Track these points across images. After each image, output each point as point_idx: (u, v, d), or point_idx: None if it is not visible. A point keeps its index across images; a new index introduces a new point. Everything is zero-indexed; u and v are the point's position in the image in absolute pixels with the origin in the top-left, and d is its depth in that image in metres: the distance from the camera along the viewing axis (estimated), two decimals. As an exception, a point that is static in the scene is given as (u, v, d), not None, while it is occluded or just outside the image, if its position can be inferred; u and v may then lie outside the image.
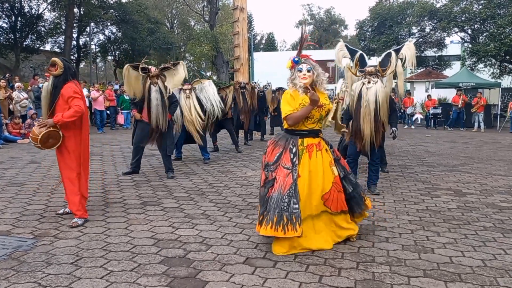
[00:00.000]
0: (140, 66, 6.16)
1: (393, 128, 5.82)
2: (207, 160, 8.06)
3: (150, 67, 6.34)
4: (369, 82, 5.37)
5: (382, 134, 5.62)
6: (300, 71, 3.56)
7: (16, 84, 12.50)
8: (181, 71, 6.78)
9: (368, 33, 29.04)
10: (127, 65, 6.29)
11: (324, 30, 56.17)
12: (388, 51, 5.83)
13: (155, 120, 6.21)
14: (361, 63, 5.72)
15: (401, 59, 5.70)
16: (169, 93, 6.42)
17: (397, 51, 5.71)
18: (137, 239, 3.75)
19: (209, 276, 2.99)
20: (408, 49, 5.74)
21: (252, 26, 47.68)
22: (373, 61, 31.60)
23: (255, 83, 12.23)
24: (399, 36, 26.28)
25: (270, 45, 50.48)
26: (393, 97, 7.42)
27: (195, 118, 7.48)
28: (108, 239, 3.72)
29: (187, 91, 7.57)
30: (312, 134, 3.63)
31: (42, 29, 26.52)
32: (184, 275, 3.00)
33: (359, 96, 5.42)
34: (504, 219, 4.55)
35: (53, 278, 2.93)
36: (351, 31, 70.63)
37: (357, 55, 5.80)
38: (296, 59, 3.60)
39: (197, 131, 7.54)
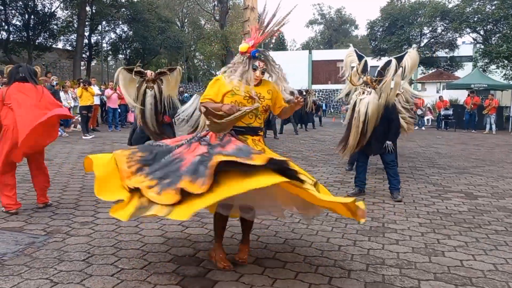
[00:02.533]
0: (135, 69, 6.15)
1: (387, 142, 5.44)
2: None
3: (146, 71, 6.30)
4: (363, 93, 5.27)
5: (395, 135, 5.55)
6: (255, 70, 3.16)
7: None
8: (177, 77, 6.50)
9: (379, 33, 28.92)
10: (120, 68, 6.29)
11: (335, 30, 55.93)
12: (389, 58, 5.55)
13: (150, 124, 6.21)
14: (364, 69, 5.59)
15: (402, 68, 5.35)
16: (168, 99, 6.34)
17: (399, 59, 5.40)
18: (148, 237, 3.77)
19: (219, 276, 3.00)
20: (410, 58, 5.37)
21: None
22: (384, 61, 31.56)
23: None
24: (410, 37, 26.13)
25: (280, 44, 50.40)
26: (406, 103, 7.14)
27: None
28: (118, 237, 3.75)
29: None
30: (250, 132, 3.18)
31: (55, 27, 26.81)
32: (194, 274, 3.02)
33: (354, 105, 5.35)
34: (516, 223, 4.51)
35: (65, 274, 2.96)
36: (361, 31, 70.31)
37: (362, 61, 5.63)
38: (257, 54, 3.17)
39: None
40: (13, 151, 4.34)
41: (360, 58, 5.83)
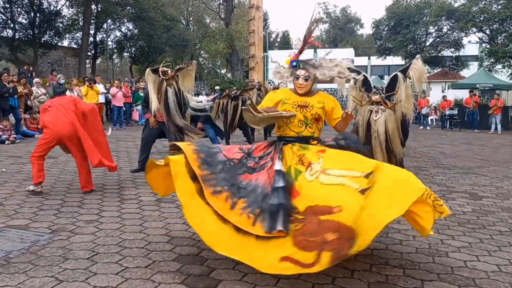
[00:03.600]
0: (160, 69, 6.28)
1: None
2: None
3: (167, 69, 6.42)
4: (376, 112, 5.19)
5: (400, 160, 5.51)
6: (297, 78, 3.37)
7: (35, 80, 12.72)
8: (192, 71, 6.77)
9: (384, 32, 28.85)
10: (148, 69, 6.44)
11: (340, 29, 55.74)
12: (394, 73, 5.40)
13: (178, 119, 6.34)
14: (366, 86, 5.50)
15: (409, 78, 5.31)
16: (186, 95, 6.50)
17: (404, 71, 5.33)
18: (152, 236, 3.80)
19: (223, 275, 3.02)
20: (416, 69, 5.27)
21: (267, 24, 47.66)
22: (389, 60, 31.27)
23: (271, 83, 12.29)
24: (416, 36, 26.04)
25: (285, 43, 50.30)
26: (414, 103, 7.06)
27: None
28: (123, 235, 3.78)
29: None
30: (301, 140, 3.31)
31: (60, 25, 26.87)
32: (198, 273, 3.04)
33: (368, 125, 5.26)
34: (521, 224, 4.49)
35: (70, 273, 2.99)
36: (367, 30, 70.10)
37: (361, 76, 5.49)
38: (294, 63, 3.40)
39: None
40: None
41: (357, 73, 5.73)
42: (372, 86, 5.58)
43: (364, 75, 5.60)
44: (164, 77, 6.28)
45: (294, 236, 2.74)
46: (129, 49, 32.59)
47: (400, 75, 5.22)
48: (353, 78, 5.62)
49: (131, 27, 30.69)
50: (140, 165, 6.78)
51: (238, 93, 10.11)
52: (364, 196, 2.76)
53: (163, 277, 2.96)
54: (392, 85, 5.25)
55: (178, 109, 6.35)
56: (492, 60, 22.61)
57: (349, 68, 5.86)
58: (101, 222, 4.16)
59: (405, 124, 5.42)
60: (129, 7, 27.90)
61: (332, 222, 2.69)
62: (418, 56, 5.61)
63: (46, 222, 4.12)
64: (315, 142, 3.35)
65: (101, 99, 13.83)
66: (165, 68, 6.37)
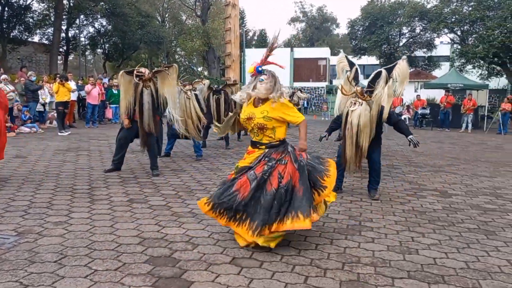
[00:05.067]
0: (135, 72, 6.12)
1: (409, 137, 5.45)
2: (199, 158, 8.03)
3: (143, 70, 6.24)
4: (354, 104, 5.22)
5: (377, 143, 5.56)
6: (261, 82, 3.56)
7: (2, 76, 12.30)
8: (173, 75, 6.37)
9: (359, 32, 29.20)
10: (121, 71, 6.26)
11: (316, 28, 56.07)
12: (379, 69, 5.43)
13: (147, 124, 6.21)
14: (355, 77, 5.56)
15: (393, 80, 5.33)
16: (163, 97, 6.33)
17: (389, 70, 5.34)
18: (123, 237, 3.72)
19: (195, 276, 2.98)
20: (400, 70, 5.29)
21: (244, 22, 47.51)
22: (363, 60, 31.60)
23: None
24: (390, 36, 26.47)
25: (262, 41, 50.28)
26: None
27: (195, 119, 7.58)
28: (93, 237, 3.69)
29: (188, 93, 7.63)
30: (254, 145, 3.75)
31: (30, 20, 26.13)
32: (170, 275, 2.99)
33: (346, 115, 5.31)
34: (488, 221, 4.61)
35: (36, 277, 2.89)
36: (342, 29, 70.84)
37: (353, 69, 5.58)
38: (260, 68, 3.61)
39: (197, 130, 7.67)
40: None
41: (351, 65, 5.76)
42: (359, 77, 5.64)
43: (356, 68, 5.66)
44: (140, 79, 6.13)
45: None
46: (103, 46, 31.97)
47: (384, 72, 5.21)
48: (347, 70, 5.70)
49: (104, 23, 30.11)
50: (114, 164, 6.64)
51: (220, 87, 10.09)
52: None
53: (133, 280, 2.90)
54: (375, 80, 5.26)
55: (152, 113, 6.22)
56: (463, 60, 23.19)
57: (346, 57, 5.95)
58: (70, 223, 4.05)
59: (380, 126, 5.42)
60: (102, 3, 27.32)
61: None
62: (404, 57, 5.61)
63: (12, 224, 3.98)
64: (263, 147, 3.69)
65: (73, 96, 13.50)
66: (141, 70, 6.18)
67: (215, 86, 10.26)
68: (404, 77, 5.32)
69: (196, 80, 8.43)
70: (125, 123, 6.42)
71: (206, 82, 8.39)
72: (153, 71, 6.41)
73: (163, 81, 6.25)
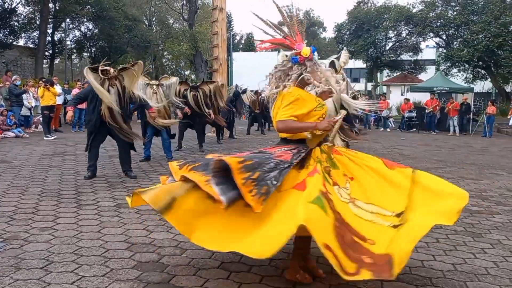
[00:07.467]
0: (100, 68, 6.06)
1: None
2: (170, 159, 7.96)
3: (108, 68, 6.20)
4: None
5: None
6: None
7: (-13, 81, 12.13)
8: (138, 71, 6.41)
9: (346, 36, 29.44)
10: (86, 67, 6.21)
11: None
12: (331, 59, 5.48)
13: (119, 120, 6.14)
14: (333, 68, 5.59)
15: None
16: (131, 94, 6.30)
17: (338, 59, 5.34)
18: (110, 243, 3.67)
19: (183, 282, 2.96)
20: (343, 58, 5.28)
21: (231, 26, 47.59)
22: (350, 64, 31.95)
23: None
24: (376, 40, 26.74)
25: (249, 45, 50.45)
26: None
27: (163, 114, 7.69)
28: (80, 243, 3.64)
29: (154, 87, 7.69)
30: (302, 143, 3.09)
31: (16, 24, 25.83)
32: (158, 281, 2.96)
33: None
34: (475, 223, 4.67)
35: (22, 283, 2.84)
36: (329, 33, 71.29)
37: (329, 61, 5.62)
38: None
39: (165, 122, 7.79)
40: None
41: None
42: (336, 69, 5.67)
43: (333, 60, 5.69)
44: (105, 77, 6.07)
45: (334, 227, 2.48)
46: (89, 49, 31.76)
47: (336, 61, 5.31)
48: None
49: (91, 26, 29.94)
50: (91, 170, 6.50)
51: (197, 84, 10.14)
52: (396, 230, 2.66)
53: (121, 286, 2.86)
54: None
55: (119, 111, 6.13)
56: (448, 64, 23.58)
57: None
58: (56, 229, 3.99)
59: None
60: (88, 6, 27.16)
61: (366, 249, 2.52)
62: (344, 47, 5.74)
63: (-4, 230, 3.91)
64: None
65: (59, 100, 13.35)
66: (106, 67, 6.12)
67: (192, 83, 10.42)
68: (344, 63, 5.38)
69: (164, 76, 8.51)
70: (68, 117, 6.42)
71: (174, 79, 8.42)
72: (119, 68, 6.40)
73: (131, 79, 6.24)
